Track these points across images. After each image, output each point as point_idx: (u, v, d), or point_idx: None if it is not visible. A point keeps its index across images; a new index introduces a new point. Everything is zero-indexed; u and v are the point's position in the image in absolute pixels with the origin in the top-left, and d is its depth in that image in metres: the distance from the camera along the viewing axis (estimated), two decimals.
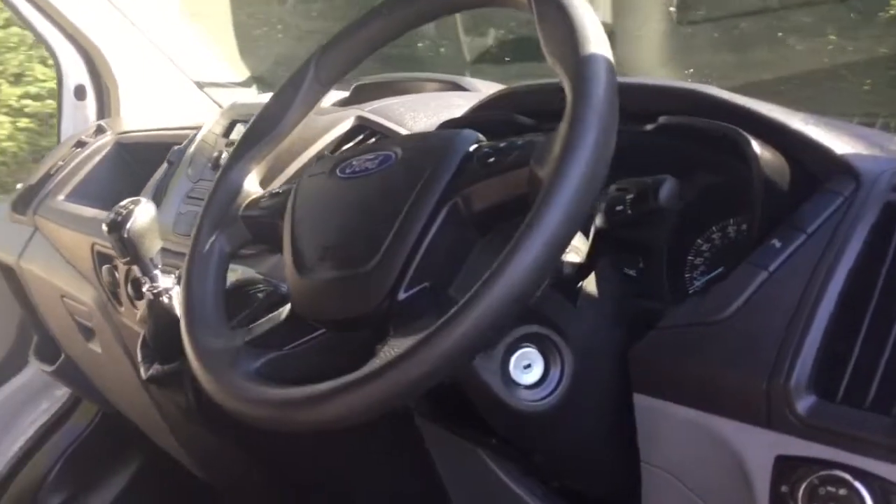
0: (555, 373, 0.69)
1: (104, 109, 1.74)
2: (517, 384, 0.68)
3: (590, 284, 0.70)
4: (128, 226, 0.86)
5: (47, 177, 1.52)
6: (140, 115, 1.70)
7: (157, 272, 0.89)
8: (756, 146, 0.71)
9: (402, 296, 0.61)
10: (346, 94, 1.30)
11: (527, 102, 0.86)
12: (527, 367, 0.69)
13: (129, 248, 0.87)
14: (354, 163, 0.68)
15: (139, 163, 1.43)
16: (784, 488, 0.62)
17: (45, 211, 1.45)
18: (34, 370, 1.75)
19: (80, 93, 1.81)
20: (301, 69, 0.78)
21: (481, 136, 0.66)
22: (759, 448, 0.64)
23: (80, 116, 1.79)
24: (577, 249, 0.69)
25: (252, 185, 0.77)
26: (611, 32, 1.31)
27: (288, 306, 0.68)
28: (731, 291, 0.67)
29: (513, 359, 0.68)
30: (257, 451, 1.05)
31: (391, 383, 0.55)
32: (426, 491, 0.96)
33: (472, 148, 0.64)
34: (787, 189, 0.71)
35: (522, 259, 0.53)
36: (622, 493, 0.77)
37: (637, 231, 0.86)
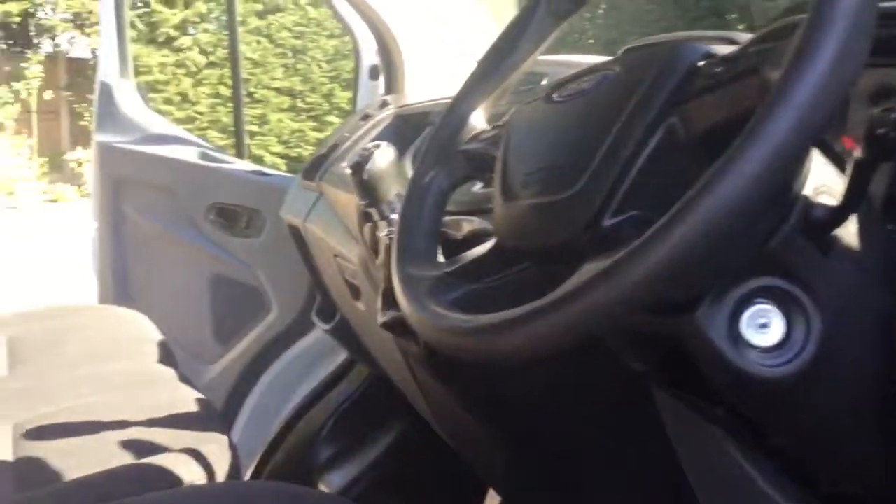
0: (798, 336, 0.58)
1: (392, 86, 1.83)
2: (749, 345, 0.58)
3: (848, 234, 0.58)
4: (367, 166, 0.88)
5: (334, 147, 1.63)
6: (423, 91, 1.76)
7: (394, 216, 0.90)
8: None
9: (606, 223, 0.55)
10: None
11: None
12: (762, 326, 0.59)
13: (368, 189, 0.89)
14: (571, 86, 0.63)
15: (414, 132, 1.48)
16: None
17: (329, 177, 1.55)
18: (321, 332, 1.88)
19: (373, 73, 1.92)
20: (533, 0, 0.74)
21: (714, 51, 0.57)
22: None
23: (373, 95, 1.90)
24: (831, 190, 0.57)
25: (478, 120, 0.74)
26: None
27: (494, 239, 0.64)
28: None
29: (745, 315, 0.58)
30: (481, 404, 1.02)
31: (578, 309, 0.49)
32: (663, 471, 0.87)
33: (699, 62, 0.56)
34: None
35: (741, 169, 0.45)
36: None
37: None
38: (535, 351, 0.53)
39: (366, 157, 0.89)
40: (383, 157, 0.89)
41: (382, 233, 0.92)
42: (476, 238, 0.90)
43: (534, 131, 0.64)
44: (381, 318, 0.95)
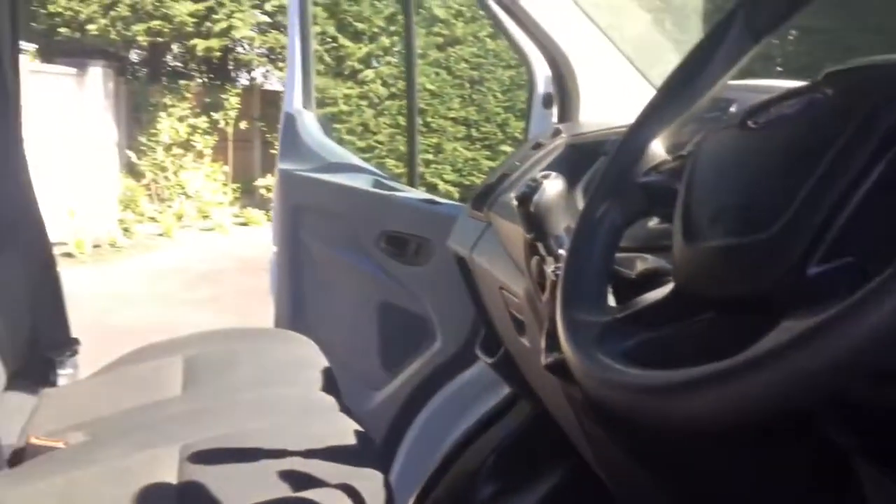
0: None
1: (565, 115, 1.77)
2: None
3: None
4: (534, 198, 0.82)
5: (504, 176, 1.58)
6: (598, 120, 1.69)
7: (562, 252, 0.84)
8: None
9: (812, 271, 0.46)
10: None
11: None
12: None
13: (535, 222, 0.83)
14: (771, 110, 0.55)
15: (587, 161, 1.41)
16: None
17: (497, 207, 1.50)
18: (484, 364, 1.83)
19: (547, 101, 1.88)
20: (728, 16, 0.66)
21: None
22: None
23: (546, 124, 1.86)
24: None
25: (657, 150, 0.67)
26: None
27: (672, 282, 0.57)
28: None
29: None
30: (648, 457, 0.93)
31: (777, 374, 0.41)
32: None
33: None
34: None
35: None
36: None
37: None
38: (721, 419, 0.45)
39: (533, 188, 0.84)
40: (552, 188, 0.83)
41: (549, 268, 0.86)
42: (651, 279, 0.82)
43: (724, 162, 0.56)
44: (544, 359, 0.88)
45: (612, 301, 0.71)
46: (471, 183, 7.89)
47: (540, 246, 0.86)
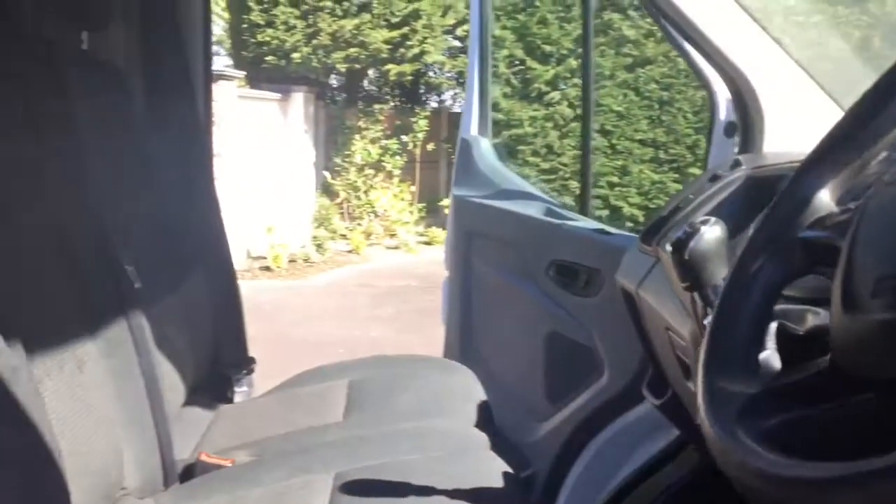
0: None
1: (748, 145, 1.66)
2: None
3: None
4: (690, 245, 0.77)
5: (677, 209, 1.51)
6: (785, 151, 1.57)
7: None
8: None
9: None
10: None
11: None
12: None
13: (689, 271, 0.77)
14: None
15: (767, 197, 1.32)
16: None
17: (666, 242, 1.43)
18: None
19: (729, 130, 1.78)
20: None
21: None
22: None
23: (727, 153, 1.76)
24: None
25: (825, 199, 0.60)
26: None
27: (828, 355, 0.51)
28: None
29: None
30: None
31: None
32: None
33: None
34: None
35: None
36: None
37: None
38: None
39: (690, 235, 0.78)
40: (710, 234, 0.77)
41: (707, 320, 0.79)
42: (821, 336, 0.74)
43: (893, 221, 0.49)
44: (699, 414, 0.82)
45: (775, 359, 0.64)
46: (657, 206, 7.67)
47: (696, 295, 0.81)
